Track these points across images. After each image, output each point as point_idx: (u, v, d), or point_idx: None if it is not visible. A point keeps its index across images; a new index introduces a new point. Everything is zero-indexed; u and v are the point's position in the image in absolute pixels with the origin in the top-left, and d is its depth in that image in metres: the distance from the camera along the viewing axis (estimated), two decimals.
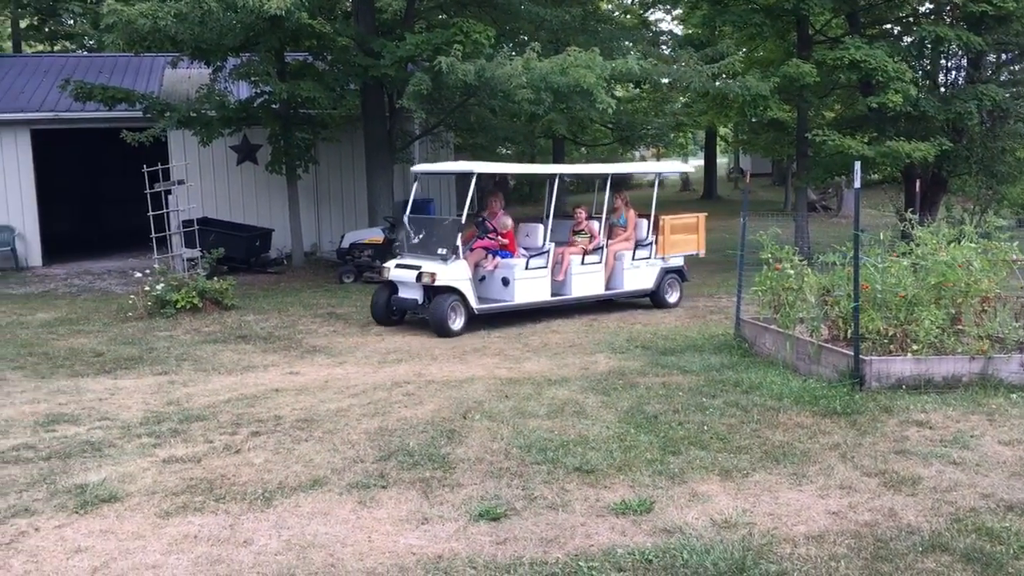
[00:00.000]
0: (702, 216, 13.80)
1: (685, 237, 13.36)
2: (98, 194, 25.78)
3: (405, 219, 12.04)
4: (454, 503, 5.16)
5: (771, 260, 8.98)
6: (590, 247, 12.49)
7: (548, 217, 12.38)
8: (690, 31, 28.65)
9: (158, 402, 7.74)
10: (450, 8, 18.52)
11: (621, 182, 14.39)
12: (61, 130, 20.22)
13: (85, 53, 31.11)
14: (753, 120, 19.55)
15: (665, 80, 18.20)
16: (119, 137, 16.28)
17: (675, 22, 36.89)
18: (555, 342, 10.44)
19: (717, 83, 17.03)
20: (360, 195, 20.25)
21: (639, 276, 12.83)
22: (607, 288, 12.58)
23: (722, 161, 49.85)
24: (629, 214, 13.18)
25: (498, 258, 11.89)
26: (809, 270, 8.78)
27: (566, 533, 4.71)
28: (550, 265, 11.87)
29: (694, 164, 51.03)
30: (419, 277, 10.99)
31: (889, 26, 21.20)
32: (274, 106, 17.30)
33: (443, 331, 10.76)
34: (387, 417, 7.06)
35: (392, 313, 11.67)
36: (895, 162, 17.43)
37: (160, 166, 14.05)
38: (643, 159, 56.39)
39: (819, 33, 20.19)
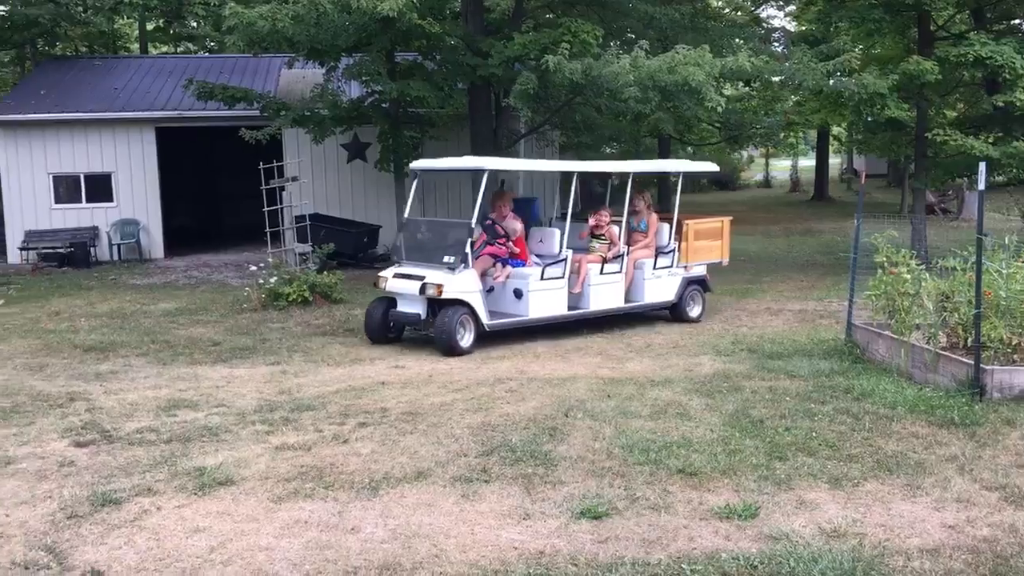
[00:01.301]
0: (727, 220, 12.79)
1: (709, 244, 12.27)
2: (216, 190, 26.82)
3: (403, 220, 11.00)
4: (555, 500, 5.18)
5: (886, 264, 8.68)
6: (610, 255, 11.17)
7: (565, 220, 10.86)
8: (804, 27, 27.94)
9: (271, 391, 8.02)
10: (558, 7, 18.53)
11: (652, 181, 13.46)
12: (183, 128, 21.11)
13: (206, 54, 32.41)
14: (869, 119, 18.89)
15: (776, 78, 17.78)
16: (237, 135, 16.93)
17: (788, 19, 36.02)
18: (658, 343, 10.35)
19: (831, 81, 16.55)
20: (465, 192, 20.48)
21: (660, 287, 11.58)
22: (626, 300, 11.35)
23: (834, 161, 48.35)
24: (651, 218, 11.88)
25: (509, 267, 10.58)
26: (927, 275, 8.45)
27: (668, 535, 4.67)
28: (567, 275, 10.60)
29: (805, 164, 49.70)
30: (423, 289, 9.73)
31: (1018, 21, 20.20)
32: (384, 105, 17.66)
33: (451, 349, 9.55)
34: (490, 413, 7.14)
35: (389, 329, 10.36)
36: (1021, 163, 16.61)
37: (275, 163, 14.54)
38: (751, 159, 55.32)
39: (942, 29, 19.38)
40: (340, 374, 8.76)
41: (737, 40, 18.58)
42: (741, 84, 23.47)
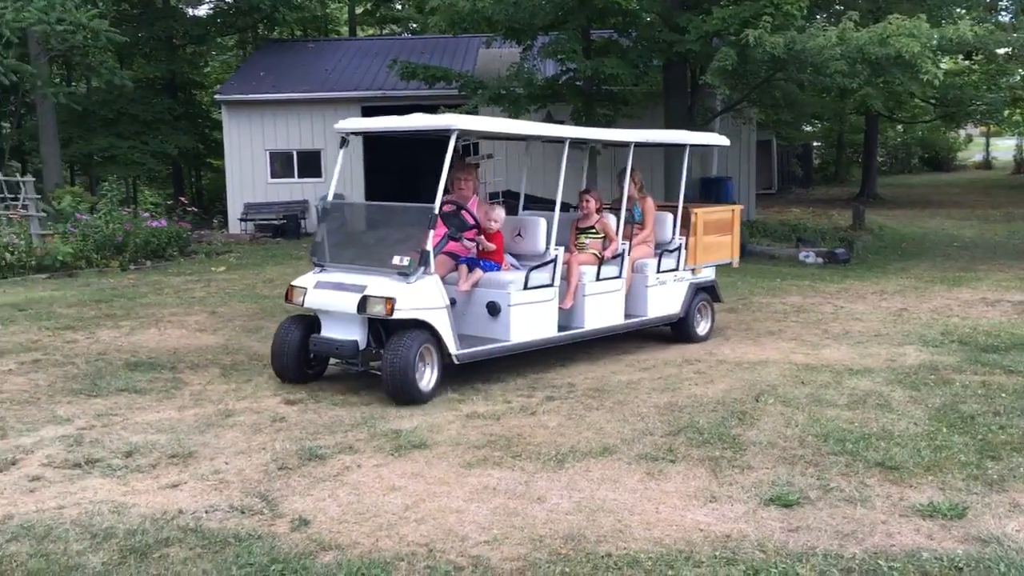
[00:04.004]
0: (737, 209, 10.28)
1: (718, 239, 9.65)
2: (415, 167, 27.89)
3: (320, 205, 8.09)
4: (744, 485, 5.07)
5: None
6: (607, 254, 8.54)
7: (556, 207, 8.02)
8: None
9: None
10: None
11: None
12: (386, 107, 22.07)
13: (409, 35, 33.63)
14: None
15: (1002, 50, 16.43)
16: (436, 113, 17.51)
17: None
18: (858, 330, 9.86)
19: None
20: (657, 171, 20.25)
21: (664, 297, 8.95)
22: (626, 315, 8.68)
23: None
24: (646, 205, 9.22)
25: (479, 271, 7.75)
26: None
27: (864, 529, 4.47)
28: (557, 281, 7.90)
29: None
30: (364, 305, 6.74)
31: None
32: (578, 83, 17.74)
33: (405, 394, 6.67)
34: (677, 393, 7.06)
35: (309, 364, 7.38)
36: None
37: (471, 140, 14.93)
38: (969, 138, 51.38)
39: None
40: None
41: (958, 8, 17.28)
42: (961, 56, 21.82)
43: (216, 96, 24.14)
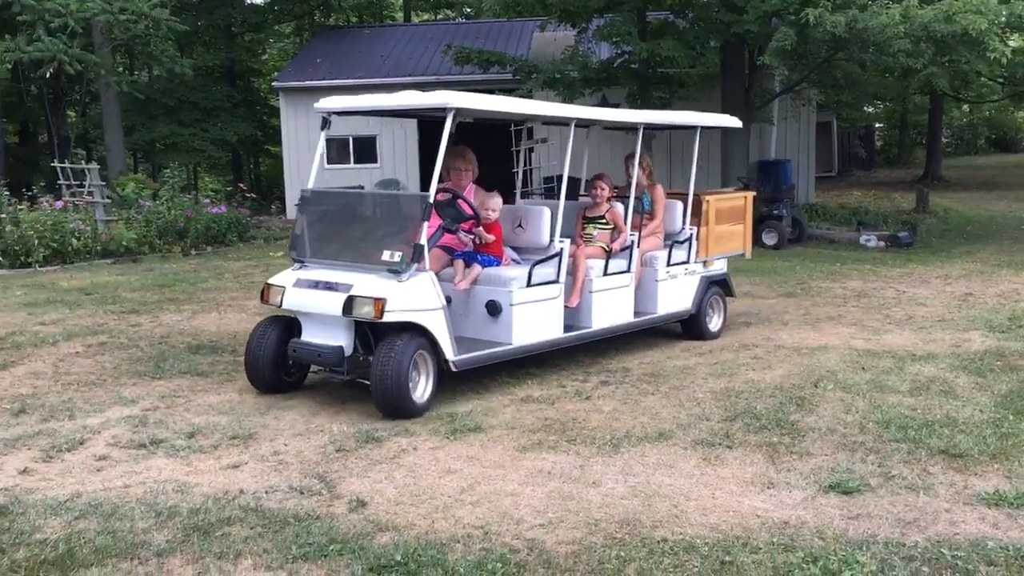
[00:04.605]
0: (750, 195, 9.60)
1: (731, 228, 9.09)
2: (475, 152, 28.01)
3: (303, 195, 7.08)
4: (802, 471, 5.00)
5: None
6: (616, 246, 7.91)
7: (560, 193, 7.49)
8: None
9: None
10: None
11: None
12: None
13: (463, 20, 33.64)
14: None
15: None
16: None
17: None
18: (921, 315, 9.64)
19: None
20: (713, 154, 19.97)
21: (675, 292, 8.38)
22: (635, 312, 8.08)
23: None
24: (656, 193, 8.57)
25: (477, 266, 7.01)
26: None
27: (927, 517, 4.38)
28: (562, 277, 7.21)
29: None
30: (350, 306, 6.05)
31: None
32: (633, 66, 17.56)
33: (397, 406, 5.99)
34: (733, 378, 6.99)
35: (287, 371, 6.68)
36: None
37: (525, 125, 14.89)
38: None
39: None
40: None
41: None
42: None
43: (274, 83, 24.45)
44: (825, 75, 18.68)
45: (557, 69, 17.71)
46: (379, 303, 5.92)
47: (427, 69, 22.14)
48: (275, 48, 37.98)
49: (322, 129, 7.05)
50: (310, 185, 7.19)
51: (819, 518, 4.38)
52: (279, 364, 6.57)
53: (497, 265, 7.10)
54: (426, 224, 6.21)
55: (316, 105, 7.02)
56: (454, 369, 6.27)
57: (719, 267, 9.00)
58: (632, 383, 6.93)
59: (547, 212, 7.42)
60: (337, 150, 22.51)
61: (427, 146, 22.42)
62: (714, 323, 8.82)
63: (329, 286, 6.27)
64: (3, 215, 14.10)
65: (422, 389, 6.19)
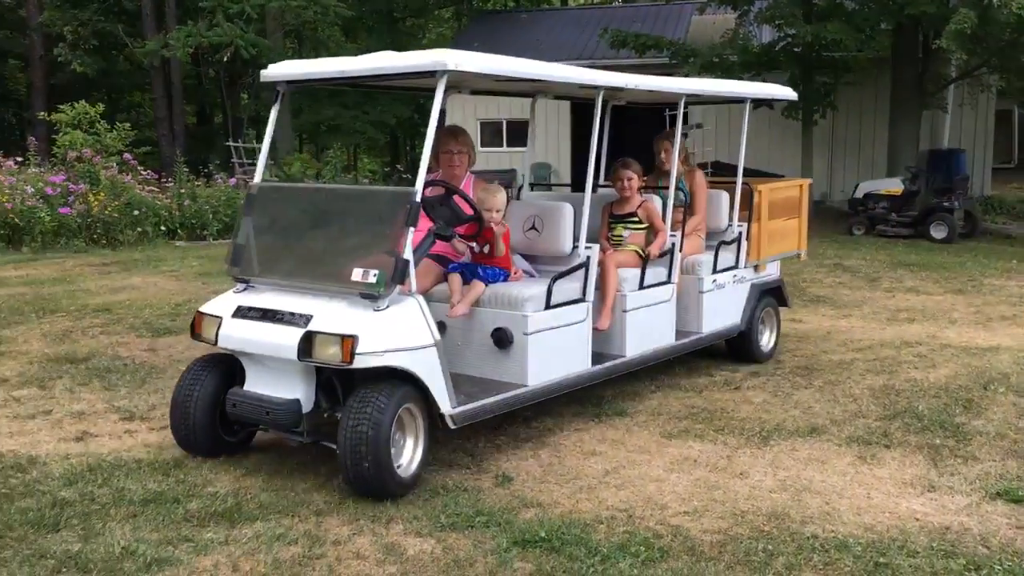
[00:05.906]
0: (806, 183, 7.88)
1: (785, 224, 7.53)
2: (621, 137, 27.81)
3: (250, 190, 5.33)
4: (967, 476, 4.74)
5: None
6: (653, 251, 6.19)
7: (587, 185, 5.64)
8: None
9: None
10: None
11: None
12: None
13: (620, 4, 33.36)
14: None
15: None
16: None
17: None
18: None
19: None
20: (880, 142, 19.09)
21: (721, 305, 6.79)
22: (678, 331, 6.44)
23: None
24: (695, 181, 6.85)
25: (480, 284, 5.24)
26: None
27: None
28: (591, 295, 5.55)
29: None
30: (307, 346, 4.38)
31: None
32: (796, 49, 16.97)
33: (373, 482, 4.31)
34: (894, 376, 6.69)
35: (228, 429, 4.90)
36: None
37: (680, 110, 14.66)
38: None
39: None
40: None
41: None
42: None
43: None
44: (1008, 60, 17.45)
45: (715, 53, 17.32)
46: (348, 342, 4.26)
47: (582, 53, 22.09)
48: (434, 33, 38.83)
49: (274, 103, 5.31)
50: (256, 179, 5.35)
51: (984, 525, 4.16)
52: (216, 421, 4.83)
53: (505, 280, 5.38)
54: (412, 230, 4.46)
55: (264, 72, 5.20)
56: (452, 426, 4.59)
57: (770, 274, 7.44)
58: (784, 376, 6.74)
59: (568, 209, 5.72)
60: (491, 133, 22.84)
61: (579, 130, 22.43)
62: (766, 340, 7.32)
63: (280, 317, 4.55)
64: (182, 191, 15.14)
65: (408, 456, 4.52)
